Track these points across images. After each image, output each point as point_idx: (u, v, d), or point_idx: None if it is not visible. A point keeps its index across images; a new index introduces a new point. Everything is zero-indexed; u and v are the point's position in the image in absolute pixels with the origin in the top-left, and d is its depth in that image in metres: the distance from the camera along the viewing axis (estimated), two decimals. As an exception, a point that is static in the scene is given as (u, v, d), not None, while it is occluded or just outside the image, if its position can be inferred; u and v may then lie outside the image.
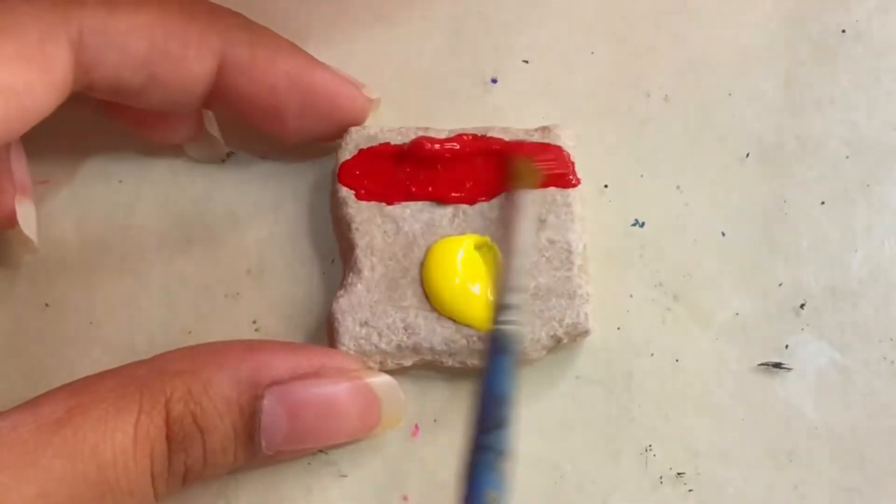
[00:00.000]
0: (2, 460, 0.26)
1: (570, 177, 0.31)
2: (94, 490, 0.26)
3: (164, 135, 0.33)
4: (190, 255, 0.33)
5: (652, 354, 0.32)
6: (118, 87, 0.29)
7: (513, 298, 0.28)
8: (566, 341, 0.31)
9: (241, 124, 0.32)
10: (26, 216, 0.31)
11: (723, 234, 0.33)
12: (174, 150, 0.34)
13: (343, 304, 0.30)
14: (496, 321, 0.27)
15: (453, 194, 0.31)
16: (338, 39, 0.34)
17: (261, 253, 0.33)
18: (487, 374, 0.27)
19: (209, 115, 0.33)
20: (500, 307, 0.28)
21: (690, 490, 0.31)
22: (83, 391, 0.27)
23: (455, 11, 0.34)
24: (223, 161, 0.34)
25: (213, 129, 0.33)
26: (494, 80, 0.34)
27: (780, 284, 0.32)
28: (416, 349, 0.30)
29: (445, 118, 0.32)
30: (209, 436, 0.28)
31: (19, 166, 0.31)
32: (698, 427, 0.32)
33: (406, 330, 0.30)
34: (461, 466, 0.25)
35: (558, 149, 0.31)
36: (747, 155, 0.33)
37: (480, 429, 0.26)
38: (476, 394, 0.27)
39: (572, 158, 0.31)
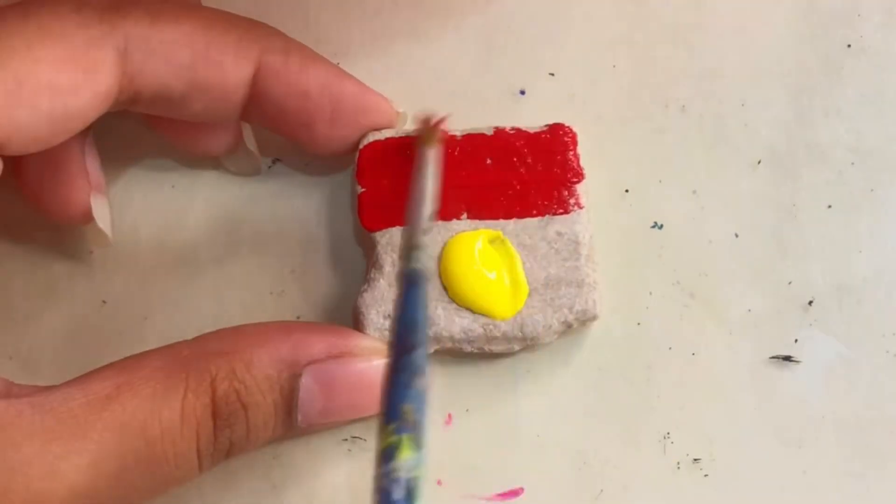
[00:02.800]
0: (55, 431, 0.26)
1: (576, 171, 0.31)
2: (142, 463, 0.27)
3: (204, 147, 0.33)
4: (238, 255, 0.34)
5: (670, 348, 0.32)
6: (162, 95, 0.29)
7: (421, 240, 0.28)
8: (576, 326, 0.31)
9: (274, 134, 0.32)
10: (101, 211, 0.31)
11: (736, 235, 0.33)
12: (214, 163, 0.34)
13: (367, 298, 0.31)
14: (408, 259, 0.27)
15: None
16: (376, 54, 0.34)
17: (304, 254, 0.34)
18: (402, 304, 0.26)
19: (247, 130, 0.33)
20: (410, 247, 0.27)
21: (706, 475, 0.32)
22: (131, 368, 0.28)
23: (486, 27, 0.34)
24: (258, 174, 0.34)
25: (251, 143, 0.33)
26: (523, 92, 0.34)
27: (790, 283, 0.33)
28: (436, 338, 0.31)
29: (477, 128, 0.32)
30: (252, 412, 0.28)
31: (94, 165, 0.31)
32: (713, 416, 0.32)
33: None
34: (382, 388, 0.25)
35: (565, 147, 0.31)
36: (759, 162, 0.33)
37: (397, 352, 0.25)
38: (392, 322, 0.27)
39: (577, 153, 0.32)
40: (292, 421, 0.29)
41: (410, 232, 0.28)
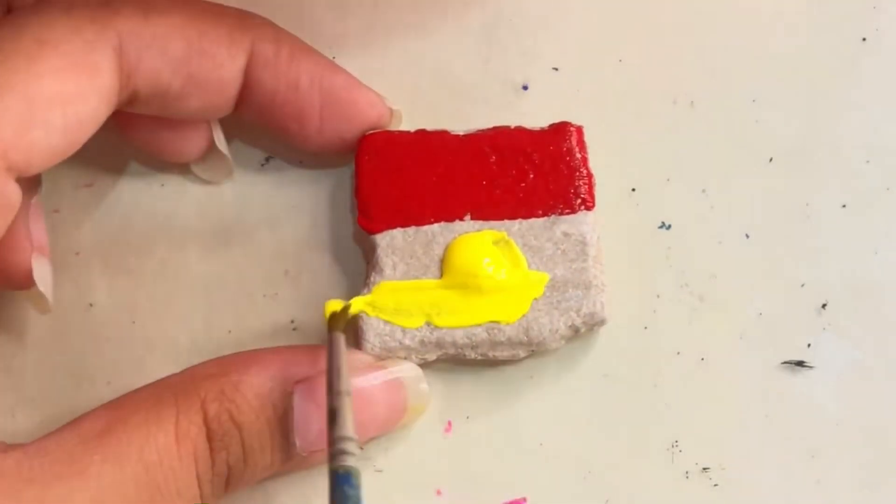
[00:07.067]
0: (53, 472, 0.26)
1: (583, 170, 0.31)
2: (144, 492, 0.27)
3: (177, 152, 0.33)
4: (229, 256, 0.34)
5: (678, 353, 0.32)
6: (159, 92, 0.29)
7: (347, 436, 0.26)
8: (584, 331, 0.31)
9: (266, 130, 0.32)
10: (42, 275, 0.30)
11: (747, 235, 0.33)
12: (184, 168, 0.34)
13: (367, 302, 0.31)
14: (335, 459, 0.26)
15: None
16: (373, 48, 0.34)
17: (298, 255, 0.33)
18: None
19: (218, 133, 0.33)
20: (336, 447, 0.26)
21: (716, 485, 0.32)
22: (120, 406, 0.28)
23: (487, 20, 0.34)
24: (230, 178, 0.34)
25: (222, 145, 0.33)
26: (525, 87, 0.34)
27: (803, 285, 0.33)
28: (439, 344, 0.31)
29: (478, 124, 0.32)
30: (246, 432, 0.28)
31: (38, 225, 0.31)
32: (723, 423, 0.32)
33: (429, 325, 0.31)
34: None
35: (571, 145, 0.31)
36: (771, 159, 0.33)
37: None
38: None
39: (585, 153, 0.31)
40: (291, 447, 0.29)
41: (335, 433, 0.27)
